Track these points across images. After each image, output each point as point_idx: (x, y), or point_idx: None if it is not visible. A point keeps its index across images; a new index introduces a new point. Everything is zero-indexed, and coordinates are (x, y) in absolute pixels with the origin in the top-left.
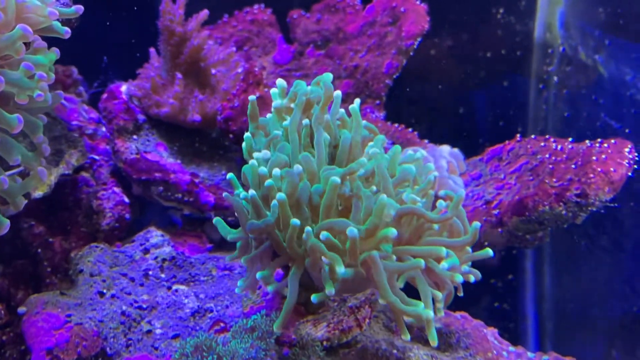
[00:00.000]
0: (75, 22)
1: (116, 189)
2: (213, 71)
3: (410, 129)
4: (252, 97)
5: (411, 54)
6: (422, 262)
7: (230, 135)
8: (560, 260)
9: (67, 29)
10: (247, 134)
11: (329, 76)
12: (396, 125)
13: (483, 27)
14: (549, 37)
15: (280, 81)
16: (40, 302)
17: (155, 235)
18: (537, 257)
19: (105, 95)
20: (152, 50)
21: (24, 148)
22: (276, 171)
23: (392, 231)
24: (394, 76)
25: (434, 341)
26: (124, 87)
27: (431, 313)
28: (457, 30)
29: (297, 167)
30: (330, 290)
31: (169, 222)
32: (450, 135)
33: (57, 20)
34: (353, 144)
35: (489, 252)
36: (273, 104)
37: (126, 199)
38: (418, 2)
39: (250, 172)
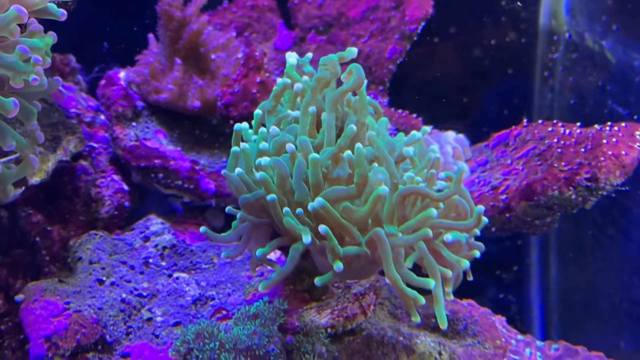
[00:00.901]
0: (72, 5)
1: (115, 177)
2: (213, 56)
3: (414, 115)
4: (257, 112)
5: (415, 39)
6: (429, 231)
7: (231, 121)
8: (567, 250)
9: (63, 11)
10: (258, 111)
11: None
12: (400, 111)
13: (488, 13)
14: (554, 24)
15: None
16: (38, 289)
17: (155, 223)
18: (543, 248)
19: (103, 82)
20: (150, 36)
21: (19, 135)
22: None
23: (384, 189)
24: (398, 62)
25: (443, 323)
26: (122, 74)
27: (440, 291)
28: (461, 17)
29: (290, 146)
30: (338, 266)
31: (169, 210)
32: (454, 123)
33: (53, 2)
34: (358, 125)
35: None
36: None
37: (125, 187)
38: None
39: (243, 154)
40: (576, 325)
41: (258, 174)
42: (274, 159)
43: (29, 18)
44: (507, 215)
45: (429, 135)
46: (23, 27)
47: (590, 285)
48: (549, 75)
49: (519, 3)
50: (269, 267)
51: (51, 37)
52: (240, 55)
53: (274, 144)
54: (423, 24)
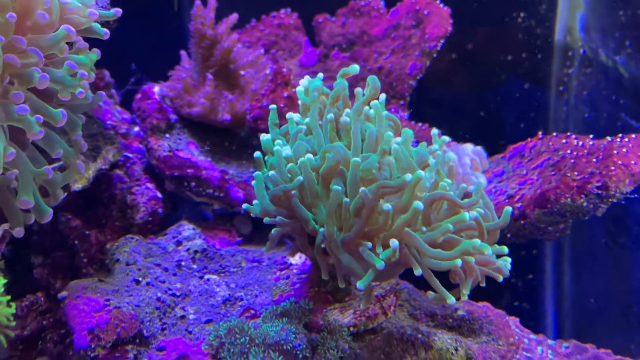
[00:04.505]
0: (113, 24)
1: (149, 185)
2: (242, 72)
3: (434, 128)
4: (272, 106)
5: (434, 55)
6: (450, 225)
7: (259, 134)
8: (580, 258)
9: (106, 30)
10: (266, 137)
11: (355, 68)
12: (420, 124)
13: (504, 30)
14: (569, 40)
15: (303, 80)
16: (80, 287)
17: (187, 228)
18: (557, 256)
19: (138, 96)
20: (183, 52)
21: (65, 143)
22: (309, 156)
23: (419, 204)
24: (418, 77)
25: (466, 293)
26: (156, 88)
27: (477, 241)
28: (478, 33)
29: (338, 145)
30: (380, 264)
31: (200, 217)
32: (472, 136)
33: (97, 21)
34: (378, 136)
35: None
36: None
37: (159, 195)
38: (441, 5)
39: (275, 158)
40: (588, 332)
41: (300, 160)
42: (329, 146)
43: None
44: (522, 222)
45: (447, 147)
46: (70, 44)
47: (603, 292)
48: (564, 89)
49: (534, 21)
50: (295, 270)
51: (95, 54)
52: (268, 71)
53: (297, 150)
54: (442, 41)
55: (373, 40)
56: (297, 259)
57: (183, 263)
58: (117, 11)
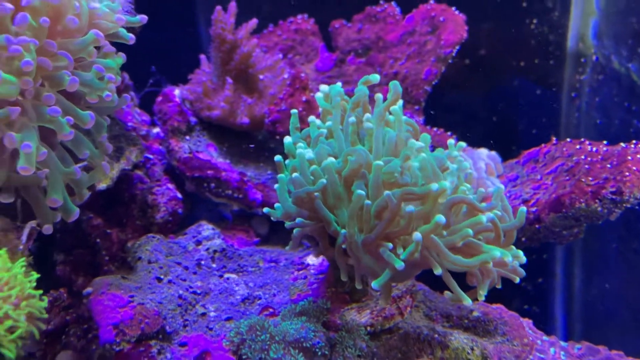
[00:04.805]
0: (138, 29)
1: (170, 186)
2: (261, 77)
3: (449, 133)
4: (294, 111)
5: (450, 61)
6: (470, 231)
7: (277, 137)
8: (591, 262)
9: (132, 35)
10: (288, 140)
11: (375, 77)
12: (435, 129)
13: (517, 36)
14: (581, 47)
15: (323, 86)
16: (104, 283)
17: (206, 228)
18: (567, 260)
19: (160, 98)
20: (202, 56)
21: (91, 145)
22: (332, 159)
23: (442, 218)
24: (433, 83)
25: (483, 294)
26: (177, 91)
27: (496, 253)
28: (491, 39)
29: (360, 148)
30: (400, 264)
31: (218, 217)
32: (484, 141)
33: (123, 27)
34: (398, 140)
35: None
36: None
37: (179, 195)
38: (457, 12)
39: (298, 160)
40: (598, 335)
41: (324, 163)
42: (352, 149)
43: None
44: (537, 226)
45: (463, 152)
46: (97, 48)
47: (614, 296)
48: (576, 95)
49: (547, 27)
50: (312, 270)
51: (121, 58)
52: (286, 75)
53: (319, 152)
54: (458, 47)
55: (389, 45)
56: (314, 260)
57: (203, 262)
58: (143, 18)
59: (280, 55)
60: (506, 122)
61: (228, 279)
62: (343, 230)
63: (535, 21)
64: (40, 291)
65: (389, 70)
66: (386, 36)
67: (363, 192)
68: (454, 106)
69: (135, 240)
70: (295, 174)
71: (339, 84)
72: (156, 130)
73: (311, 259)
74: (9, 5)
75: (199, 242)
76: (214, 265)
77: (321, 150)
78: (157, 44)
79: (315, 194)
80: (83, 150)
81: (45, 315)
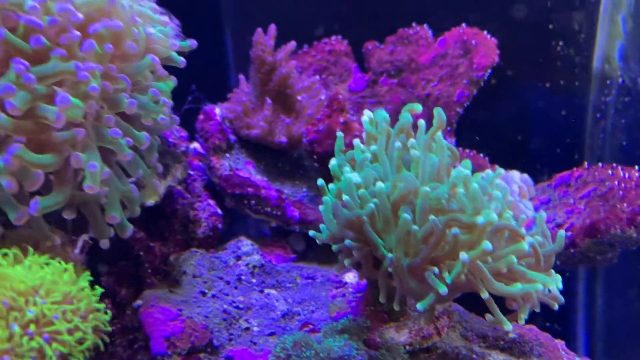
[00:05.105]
0: (187, 52)
1: (210, 201)
2: (299, 98)
3: (481, 155)
4: (339, 134)
5: (482, 84)
6: (514, 258)
7: (315, 156)
8: (614, 281)
9: (182, 59)
10: (333, 163)
11: (419, 107)
12: (467, 150)
13: (543, 58)
14: (607, 69)
15: (368, 112)
16: (153, 296)
17: (245, 244)
18: (589, 278)
19: (201, 117)
20: (241, 76)
21: (144, 164)
22: (380, 184)
23: (488, 245)
24: (465, 105)
25: (524, 317)
26: (217, 110)
27: (539, 286)
28: (518, 61)
29: (408, 174)
30: (443, 289)
31: (256, 232)
32: (510, 160)
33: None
34: (440, 166)
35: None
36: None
37: (219, 211)
38: (488, 36)
39: (345, 184)
40: (620, 354)
41: (376, 186)
42: (401, 175)
43: None
44: (572, 250)
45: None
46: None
47: (636, 316)
48: (602, 117)
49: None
50: (350, 289)
51: (172, 81)
52: (322, 97)
53: (366, 177)
54: (489, 71)
55: (421, 67)
56: (351, 278)
57: (243, 277)
58: (193, 42)
59: (317, 77)
60: (531, 142)
61: (268, 294)
62: (390, 254)
63: (561, 43)
64: (103, 305)
65: (421, 92)
66: (418, 58)
67: (410, 217)
68: (480, 126)
69: (177, 254)
70: (345, 197)
71: (383, 111)
72: (193, 145)
73: (349, 277)
74: (77, 33)
75: (238, 258)
76: (253, 281)
77: (368, 174)
78: (187, 62)
79: (364, 217)
80: (137, 170)
81: (109, 328)
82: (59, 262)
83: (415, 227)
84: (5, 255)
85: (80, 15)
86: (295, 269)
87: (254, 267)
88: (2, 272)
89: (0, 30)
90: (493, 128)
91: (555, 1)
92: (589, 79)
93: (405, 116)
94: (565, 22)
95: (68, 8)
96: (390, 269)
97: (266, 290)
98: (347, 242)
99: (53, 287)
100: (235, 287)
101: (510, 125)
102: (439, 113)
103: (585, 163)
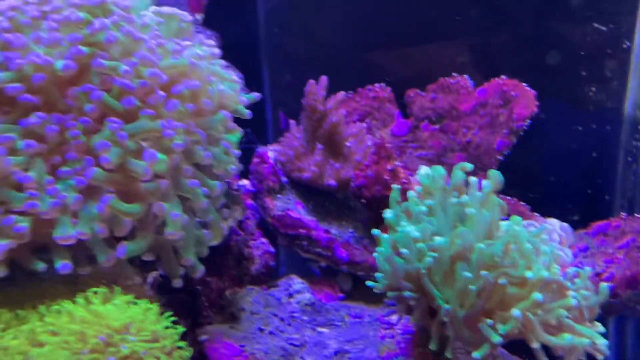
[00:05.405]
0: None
1: (263, 240)
2: (347, 144)
3: (522, 203)
4: (396, 186)
5: (521, 134)
6: (564, 312)
7: (362, 200)
8: None
9: (249, 111)
10: (389, 214)
11: (470, 166)
12: (508, 198)
13: (576, 103)
14: (638, 115)
15: (424, 168)
16: (217, 332)
17: (296, 282)
18: (619, 317)
19: (256, 160)
20: (292, 122)
21: (214, 210)
22: (439, 239)
23: (539, 296)
24: (505, 153)
25: None
26: (270, 153)
27: (587, 341)
28: (551, 106)
29: (466, 231)
30: (497, 339)
31: (303, 270)
32: (542, 201)
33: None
34: (492, 222)
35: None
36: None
37: (272, 249)
38: (528, 88)
39: (402, 236)
40: None
41: (436, 241)
42: (460, 232)
43: None
44: (613, 300)
45: (535, 221)
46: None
47: None
48: (633, 160)
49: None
50: (398, 330)
51: (240, 133)
52: (369, 142)
53: (423, 231)
54: (529, 121)
55: (462, 115)
56: (396, 319)
57: (295, 315)
58: (257, 95)
59: (364, 125)
60: (563, 184)
61: (321, 332)
62: (446, 305)
63: (594, 89)
64: (184, 343)
65: (462, 139)
66: (459, 106)
67: (470, 275)
68: (512, 168)
69: (232, 290)
70: (403, 250)
71: (441, 167)
72: (243, 182)
73: (394, 318)
74: (163, 93)
75: (290, 295)
76: (305, 318)
77: (425, 228)
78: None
79: (422, 270)
80: (209, 215)
81: None
82: (145, 302)
83: (472, 287)
84: (95, 293)
85: (166, 77)
86: (343, 308)
87: (305, 304)
88: (95, 309)
89: (99, 93)
90: (525, 170)
91: (588, 50)
92: (620, 123)
93: (458, 174)
94: (597, 69)
95: (157, 73)
96: (445, 319)
97: (319, 329)
98: (407, 293)
99: (142, 326)
100: (289, 324)
101: (544, 167)
102: (495, 175)
103: (622, 214)
